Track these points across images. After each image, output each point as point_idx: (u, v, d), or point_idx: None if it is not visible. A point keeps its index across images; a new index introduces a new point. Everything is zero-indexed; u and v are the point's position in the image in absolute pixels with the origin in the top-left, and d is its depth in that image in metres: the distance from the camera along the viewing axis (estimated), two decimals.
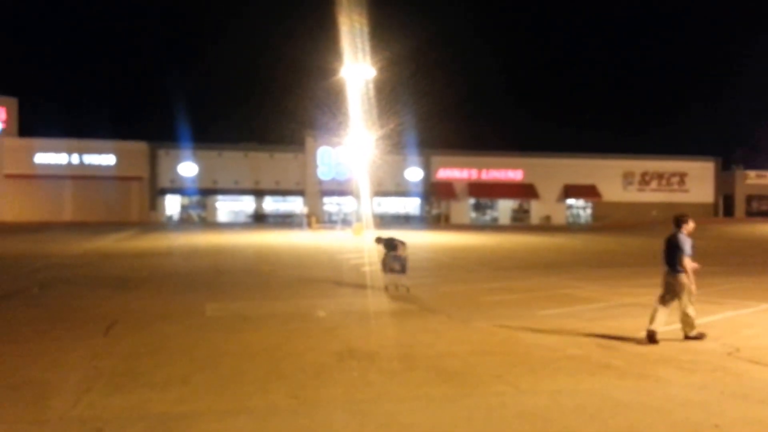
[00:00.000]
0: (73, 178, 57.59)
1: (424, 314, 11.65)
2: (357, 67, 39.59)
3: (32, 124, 60.16)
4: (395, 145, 58.88)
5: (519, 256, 25.73)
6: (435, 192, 64.49)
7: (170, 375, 7.35)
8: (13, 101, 58.73)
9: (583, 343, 9.14)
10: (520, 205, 67.81)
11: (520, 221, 66.12)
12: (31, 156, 57.54)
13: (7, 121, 57.79)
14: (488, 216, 67.94)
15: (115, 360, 8.00)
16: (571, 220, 68.02)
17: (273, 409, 6.21)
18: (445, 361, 8.11)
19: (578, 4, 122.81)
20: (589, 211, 68.65)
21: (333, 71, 41.25)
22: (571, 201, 67.89)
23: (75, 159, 58.20)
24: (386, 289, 14.62)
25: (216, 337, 9.45)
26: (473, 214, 67.03)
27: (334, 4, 37.21)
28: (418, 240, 35.34)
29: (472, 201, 66.60)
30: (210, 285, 15.78)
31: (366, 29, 38.50)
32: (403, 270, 14.70)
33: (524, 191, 65.64)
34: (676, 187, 68.61)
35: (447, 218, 64.61)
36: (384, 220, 56.98)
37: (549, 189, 65.73)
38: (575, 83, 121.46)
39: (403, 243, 15.08)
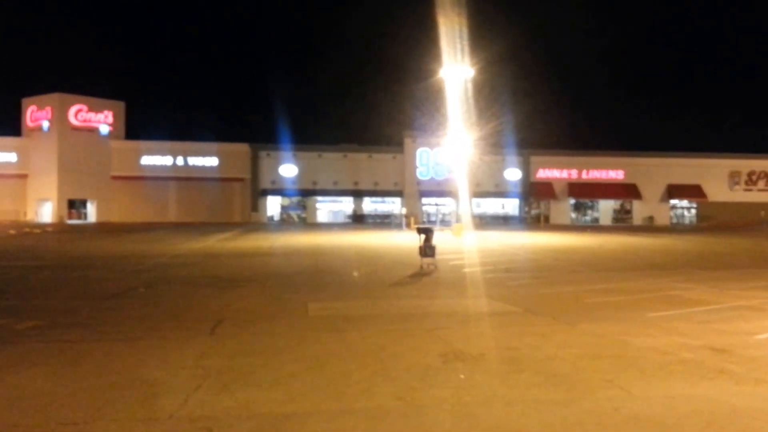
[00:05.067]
0: (178, 179, 59.94)
1: (528, 316, 11.31)
2: (456, 67, 39.39)
3: (138, 127, 63.01)
4: (494, 145, 58.28)
5: (623, 257, 24.90)
6: (534, 192, 63.54)
7: (276, 374, 7.32)
8: (120, 105, 61.56)
9: (696, 347, 8.65)
10: (622, 206, 66.12)
11: (621, 222, 64.35)
12: (138, 158, 60.16)
13: (114, 125, 60.53)
14: (589, 216, 66.46)
15: (221, 359, 8.04)
16: (675, 220, 65.54)
17: (381, 411, 6.08)
18: (554, 364, 7.79)
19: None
20: (693, 211, 66.22)
21: (432, 72, 41.22)
22: (674, 201, 65.45)
23: (179, 161, 60.43)
24: (421, 267, 19.15)
25: (320, 336, 9.42)
26: (573, 215, 65.66)
27: (434, 5, 37.18)
28: (517, 241, 34.82)
29: (572, 201, 65.25)
30: (311, 285, 15.87)
31: (465, 30, 38.29)
32: (433, 254, 19.47)
33: (626, 191, 63.91)
34: None
35: (546, 219, 63.47)
36: (483, 221, 56.45)
37: (652, 189, 63.91)
38: (679, 80, 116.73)
39: (432, 231, 20.01)
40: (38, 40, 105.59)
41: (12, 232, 39.35)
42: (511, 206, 65.34)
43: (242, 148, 61.39)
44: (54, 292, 14.46)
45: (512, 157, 62.16)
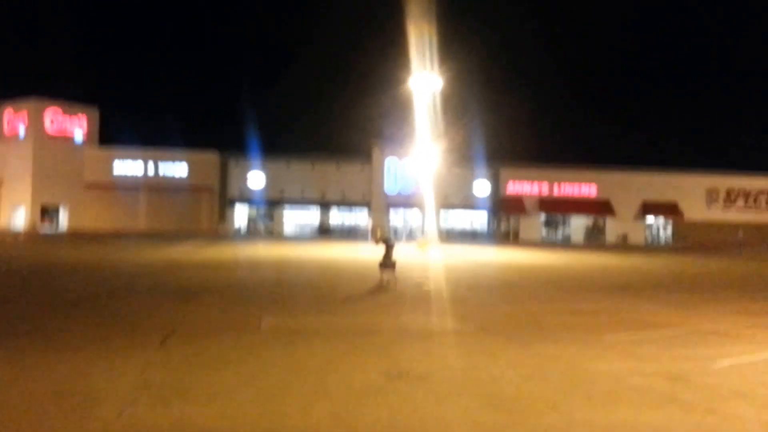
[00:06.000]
0: (148, 187, 59.39)
1: (482, 335, 11.29)
2: (424, 77, 39.46)
3: (111, 134, 62.42)
4: (463, 157, 58.49)
5: (591, 277, 24.85)
6: (504, 207, 63.04)
7: (216, 389, 7.32)
8: (95, 111, 61.05)
9: (649, 373, 8.60)
10: (595, 223, 65.16)
11: (594, 239, 63.75)
12: (110, 166, 59.68)
13: (88, 130, 60.08)
14: (560, 233, 65.71)
15: (165, 371, 8.05)
16: (650, 239, 65.16)
17: (313, 429, 6.04)
18: (498, 386, 7.76)
19: (655, 7, 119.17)
20: (669, 230, 65.60)
21: (400, 81, 41.28)
22: (650, 219, 65.12)
23: (150, 169, 59.98)
24: (380, 283, 18.65)
25: (267, 351, 9.40)
26: (544, 231, 65.04)
27: (402, 14, 37.36)
28: (484, 257, 34.85)
29: (543, 217, 64.72)
30: (270, 298, 15.82)
31: (434, 40, 38.46)
32: (393, 268, 19.19)
33: (599, 208, 63.28)
34: (764, 206, 64.90)
35: (516, 234, 63.26)
36: (451, 235, 56.41)
37: (626, 206, 63.11)
38: (654, 92, 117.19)
39: (393, 245, 19.56)
40: (14, 45, 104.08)
41: None
42: (480, 220, 64.73)
43: (211, 156, 60.95)
44: (14, 299, 14.49)
45: (481, 170, 61.68)
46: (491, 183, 62.91)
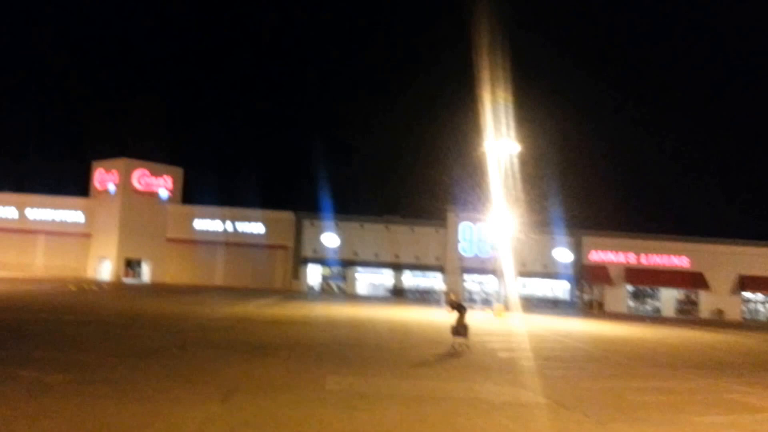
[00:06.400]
0: (226, 244, 60.73)
1: (557, 410, 10.63)
2: (501, 141, 39.16)
3: (192, 191, 64.40)
4: (542, 223, 57.03)
5: (682, 353, 23.24)
6: (587, 276, 60.66)
7: None
8: (179, 171, 63.50)
9: None
10: (687, 296, 61.37)
11: (686, 314, 60.16)
12: (191, 222, 61.47)
13: (172, 189, 62.37)
14: (649, 306, 62.44)
15: (222, 428, 7.96)
16: (748, 315, 61.04)
17: None
18: None
19: (744, 67, 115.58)
20: None
21: (477, 146, 41.05)
22: (747, 294, 61.43)
23: (228, 226, 61.47)
24: (452, 348, 18.31)
25: (327, 413, 9.15)
26: (631, 303, 61.86)
27: (479, 79, 37.39)
28: (565, 327, 33.29)
29: (629, 288, 61.93)
30: (337, 357, 15.62)
31: (510, 104, 38.26)
32: (466, 334, 18.77)
33: (691, 280, 59.83)
34: None
35: (600, 305, 60.61)
36: (529, 303, 54.77)
37: (721, 279, 59.37)
38: (751, 158, 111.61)
39: (466, 309, 19.28)
40: (99, 108, 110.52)
41: (72, 288, 40.26)
42: (561, 289, 62.46)
43: (287, 216, 61.94)
44: (92, 347, 14.89)
45: (562, 237, 59.95)
46: (573, 251, 61.04)
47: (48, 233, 60.87)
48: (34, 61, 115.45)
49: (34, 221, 61.35)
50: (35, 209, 61.76)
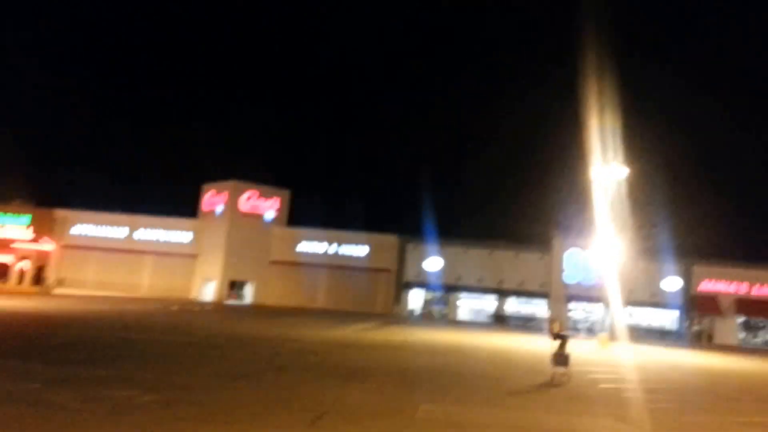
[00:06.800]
0: (329, 267, 61.52)
1: None
2: (607, 166, 38.11)
3: (295, 214, 65.60)
4: (651, 251, 55.12)
5: None
6: (696, 306, 58.18)
7: None
8: (286, 193, 65.00)
9: None
10: None
11: None
12: (295, 245, 62.73)
13: (279, 211, 63.92)
14: (761, 338, 59.22)
15: None
16: None
17: None
18: None
19: None
20: None
21: (583, 170, 40.15)
22: None
23: (332, 249, 62.27)
24: (552, 378, 17.82)
25: None
26: (742, 335, 58.93)
27: (586, 102, 36.64)
28: (672, 358, 32.00)
29: (741, 319, 58.94)
30: (432, 384, 15.44)
31: (618, 126, 37.23)
32: (566, 364, 18.13)
33: None
34: None
35: (710, 336, 57.78)
36: (636, 333, 52.70)
37: None
38: None
39: (567, 339, 18.70)
40: (212, 130, 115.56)
41: (174, 308, 41.75)
42: (669, 319, 59.90)
43: (390, 240, 62.21)
44: (187, 368, 15.17)
45: (671, 266, 57.78)
46: (682, 279, 58.50)
47: (156, 254, 63.00)
48: (148, 83, 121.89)
49: (143, 241, 63.66)
50: (144, 230, 64.15)
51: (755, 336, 58.87)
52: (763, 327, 58.90)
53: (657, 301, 58.49)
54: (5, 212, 61.88)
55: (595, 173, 38.72)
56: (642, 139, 45.71)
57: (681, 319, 58.82)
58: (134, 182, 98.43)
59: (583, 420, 12.11)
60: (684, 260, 57.63)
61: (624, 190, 39.60)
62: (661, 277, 58.37)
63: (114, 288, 58.82)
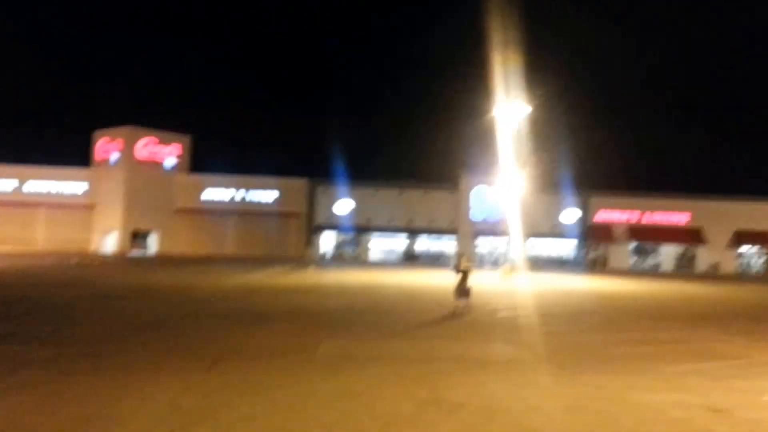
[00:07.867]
0: (237, 213, 60.93)
1: (536, 365, 11.04)
2: (511, 104, 39.10)
3: (201, 160, 64.15)
4: (551, 184, 57.44)
5: (674, 307, 24.06)
6: (593, 235, 61.52)
7: (240, 415, 7.36)
8: (188, 139, 63.20)
9: (693, 405, 8.31)
10: (686, 251, 62.79)
11: (684, 268, 61.30)
12: (200, 192, 61.59)
13: (181, 158, 62.28)
14: (650, 262, 63.50)
15: (199, 397, 8.13)
16: (742, 269, 62.14)
17: None
18: (530, 417, 7.58)
19: (748, 24, 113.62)
20: (762, 260, 62.65)
21: (487, 109, 41.00)
22: (743, 248, 62.28)
23: (239, 195, 61.56)
24: (454, 310, 18.70)
25: (313, 377, 9.42)
26: (633, 260, 63.06)
27: (488, 42, 37.24)
28: (568, 285, 33.99)
29: (632, 245, 62.76)
30: (339, 323, 15.96)
31: (520, 66, 38.08)
32: (467, 296, 19.23)
33: (690, 236, 60.85)
34: None
35: (605, 263, 61.39)
36: (537, 263, 55.28)
37: (718, 234, 60.40)
38: (748, 116, 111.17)
39: (468, 272, 19.68)
40: (103, 74, 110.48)
41: (74, 261, 40.49)
42: (568, 249, 63.25)
43: (300, 183, 61.95)
44: (87, 321, 14.93)
45: (570, 198, 60.54)
46: (580, 210, 61.45)
47: (49, 206, 60.15)
48: (32, 24, 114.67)
49: (34, 194, 60.71)
50: (35, 181, 61.08)
51: (645, 260, 63.16)
52: (653, 251, 63.20)
53: (557, 232, 61.40)
54: None
55: (499, 111, 39.70)
56: (544, 74, 46.90)
57: (579, 247, 62.09)
58: (20, 130, 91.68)
59: (477, 346, 12.90)
60: (582, 192, 60.47)
61: (526, 126, 40.84)
62: (561, 209, 61.07)
63: (6, 243, 55.98)
